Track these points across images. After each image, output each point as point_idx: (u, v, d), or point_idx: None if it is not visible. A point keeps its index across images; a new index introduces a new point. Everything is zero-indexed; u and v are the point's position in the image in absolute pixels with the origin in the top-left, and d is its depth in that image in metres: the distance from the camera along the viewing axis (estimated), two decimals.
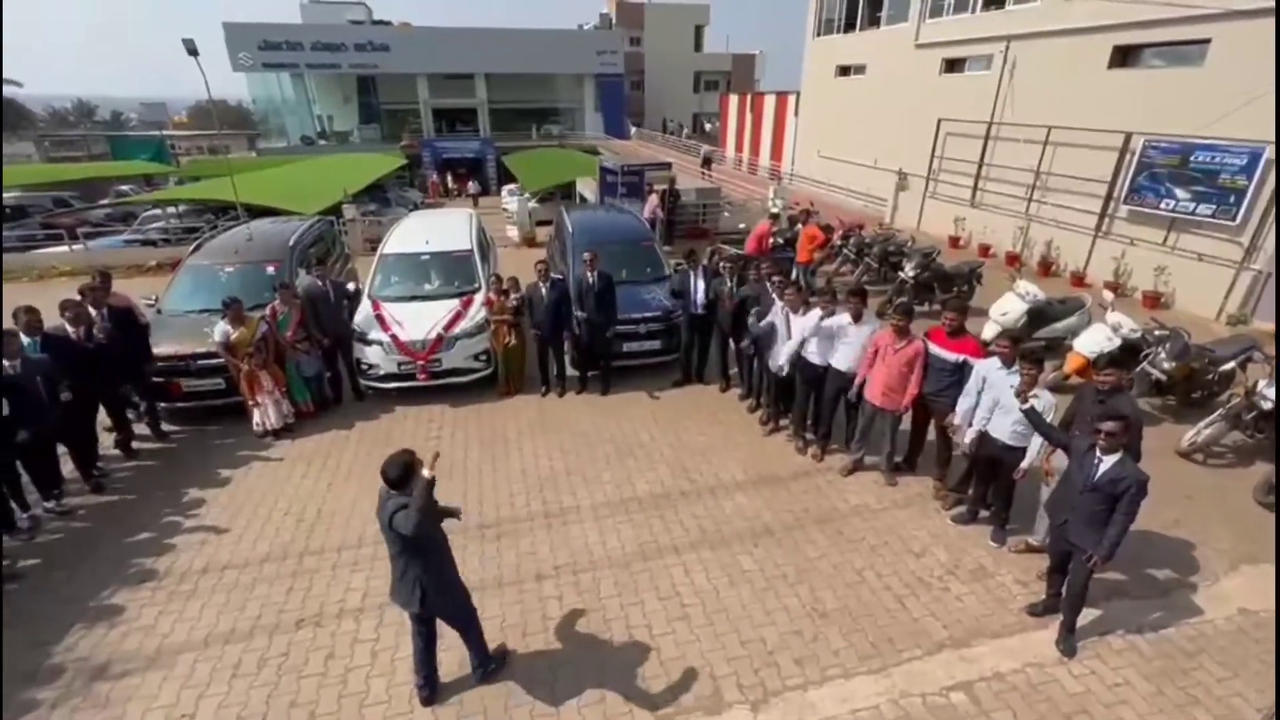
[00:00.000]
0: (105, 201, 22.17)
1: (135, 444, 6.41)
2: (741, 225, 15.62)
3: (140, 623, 4.31)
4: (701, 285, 7.34)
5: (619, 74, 40.40)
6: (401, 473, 3.17)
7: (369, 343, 7.16)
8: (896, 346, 5.25)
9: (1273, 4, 8.90)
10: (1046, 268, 12.70)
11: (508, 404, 7.45)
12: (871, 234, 12.20)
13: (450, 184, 31.65)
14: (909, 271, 9.95)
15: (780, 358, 6.11)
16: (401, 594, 3.41)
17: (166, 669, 3.95)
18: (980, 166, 14.62)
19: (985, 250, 14.09)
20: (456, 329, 7.27)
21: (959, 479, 5.47)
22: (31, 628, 4.25)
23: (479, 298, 7.67)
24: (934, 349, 5.23)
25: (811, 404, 6.26)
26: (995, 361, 4.75)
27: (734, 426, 6.92)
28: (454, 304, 7.57)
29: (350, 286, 8.00)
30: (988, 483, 5.04)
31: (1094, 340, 6.97)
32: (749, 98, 30.32)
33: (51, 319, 5.60)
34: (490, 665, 3.85)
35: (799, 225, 11.36)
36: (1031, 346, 7.43)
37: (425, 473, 3.15)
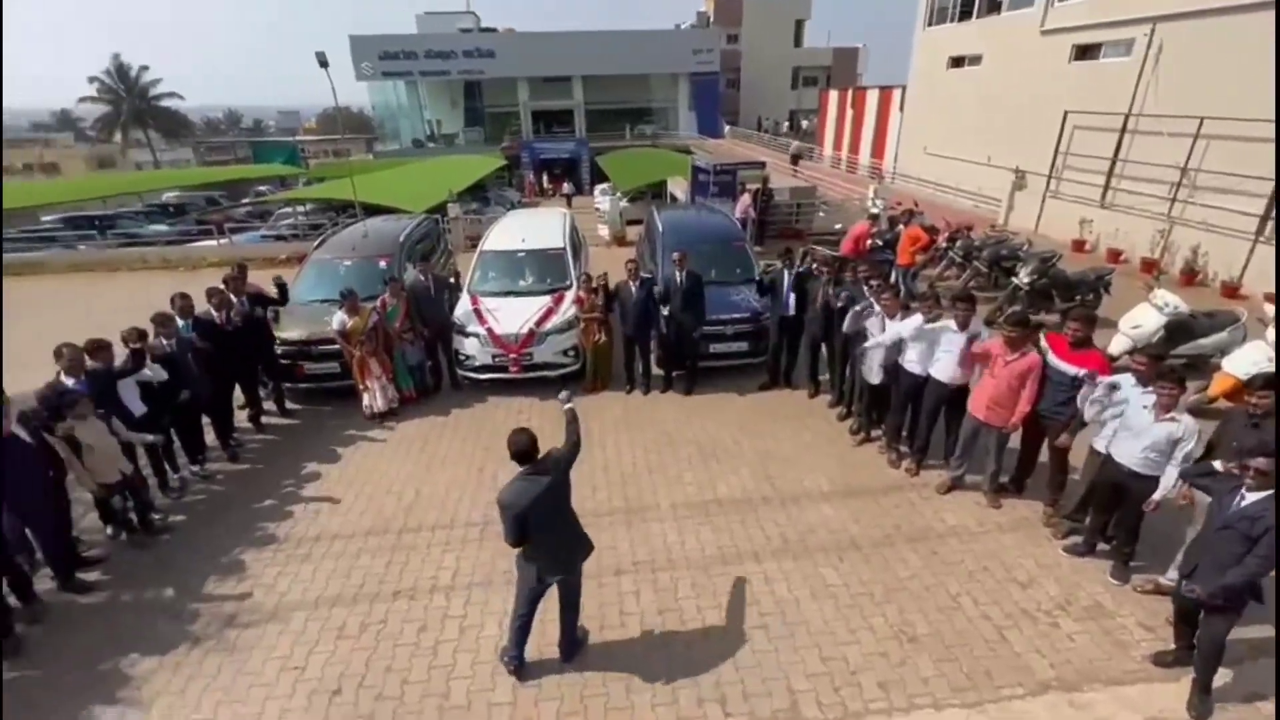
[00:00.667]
0: (246, 200, 24.85)
1: (264, 419, 7.12)
2: (838, 226, 15.07)
3: (263, 580, 4.78)
4: (793, 279, 7.13)
5: (714, 72, 40.15)
6: (531, 445, 3.42)
7: (467, 335, 7.55)
8: (1008, 358, 4.85)
9: None
10: (1190, 276, 11.27)
11: (594, 400, 7.60)
12: (982, 236, 11.37)
13: (545, 184, 32.71)
14: (1024, 277, 9.17)
15: (869, 346, 5.81)
16: (561, 561, 3.69)
17: (283, 624, 4.37)
18: (1114, 163, 13.23)
19: (1115, 256, 12.72)
20: (548, 325, 7.51)
21: (1075, 505, 4.96)
22: (178, 576, 4.83)
23: (570, 295, 7.87)
24: (1052, 360, 4.80)
25: (908, 415, 5.92)
26: (1130, 378, 4.28)
27: (822, 434, 6.68)
28: (546, 300, 7.83)
29: (452, 281, 8.48)
30: (1110, 512, 4.54)
31: (1249, 359, 6.11)
32: (850, 93, 29.13)
33: (199, 306, 6.35)
34: (577, 644, 4.00)
35: (900, 226, 10.78)
36: (1172, 364, 6.67)
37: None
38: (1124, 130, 12.91)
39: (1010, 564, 4.72)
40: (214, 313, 6.37)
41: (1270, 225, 10.27)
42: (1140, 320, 7.32)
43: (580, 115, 40.60)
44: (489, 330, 7.45)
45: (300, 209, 19.62)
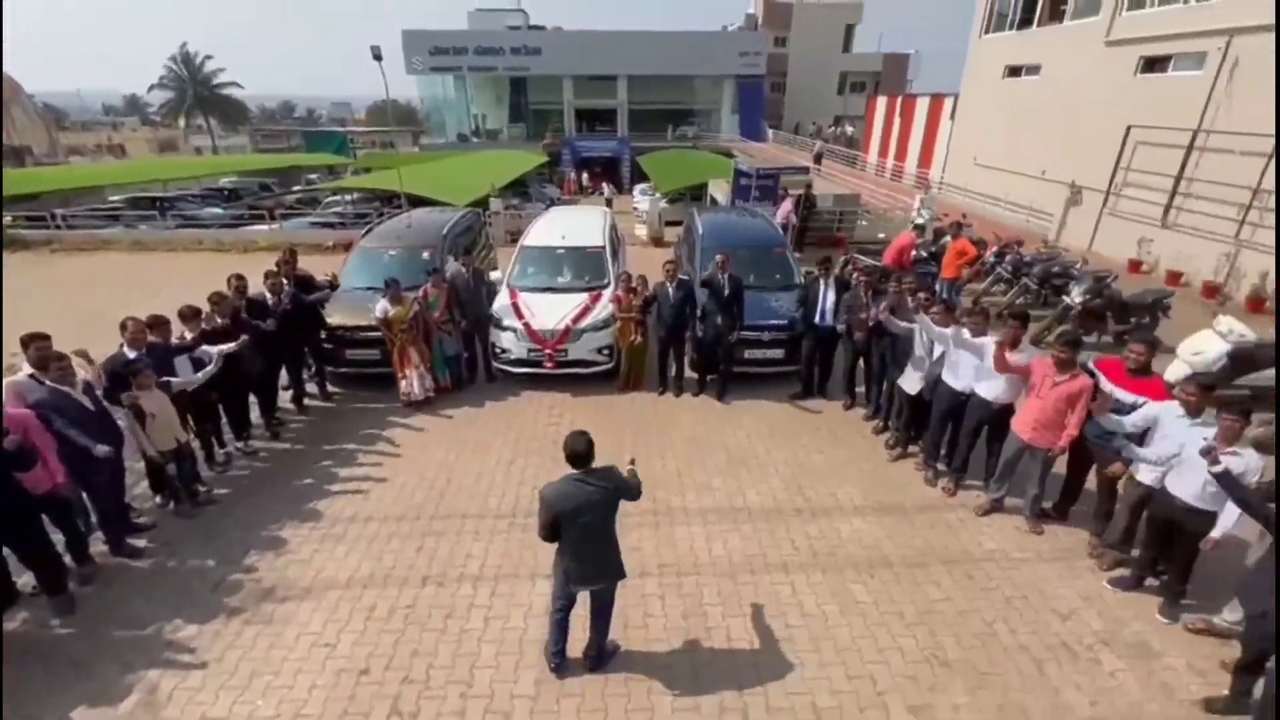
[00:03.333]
0: (297, 188, 25.61)
1: (305, 401, 7.33)
2: (881, 235, 14.77)
3: (299, 556, 4.92)
4: (831, 296, 7.02)
5: (760, 75, 39.79)
6: (588, 449, 3.41)
7: (504, 328, 7.64)
8: (1057, 379, 4.68)
9: None
10: (1259, 303, 10.69)
11: (625, 399, 7.61)
12: (1032, 252, 11.00)
13: (585, 182, 32.80)
14: (1076, 297, 8.83)
15: (917, 378, 5.70)
16: (586, 575, 3.63)
17: (317, 601, 4.48)
18: (1178, 181, 12.65)
19: (1176, 278, 12.18)
20: (584, 322, 7.55)
21: (1120, 535, 4.74)
22: (220, 547, 5.01)
23: (607, 293, 7.90)
24: (1107, 386, 4.60)
25: (948, 433, 5.76)
26: (1175, 408, 4.10)
27: (856, 448, 6.55)
28: (583, 298, 7.86)
29: (493, 275, 8.59)
30: (1161, 547, 4.34)
31: None
32: (899, 100, 28.54)
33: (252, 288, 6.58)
34: (605, 656, 3.95)
35: (946, 238, 10.51)
36: (1236, 394, 6.34)
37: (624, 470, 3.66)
38: (1191, 147, 12.33)
39: (1050, 594, 4.55)
40: (267, 295, 6.59)
41: None
42: (1202, 347, 6.96)
43: (623, 114, 40.73)
44: (526, 325, 7.52)
45: (348, 198, 20.13)
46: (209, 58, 48.72)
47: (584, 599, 3.77)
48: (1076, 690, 3.80)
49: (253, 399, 6.59)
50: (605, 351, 7.71)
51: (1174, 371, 6.79)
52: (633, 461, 3.94)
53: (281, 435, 6.73)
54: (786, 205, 14.11)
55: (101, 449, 4.35)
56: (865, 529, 5.28)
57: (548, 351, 7.52)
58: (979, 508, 5.45)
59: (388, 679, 3.87)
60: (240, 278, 6.49)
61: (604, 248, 8.68)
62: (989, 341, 5.07)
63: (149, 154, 46.26)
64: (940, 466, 5.91)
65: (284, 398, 7.16)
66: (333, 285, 7.95)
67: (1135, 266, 13.19)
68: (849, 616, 4.36)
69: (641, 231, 16.81)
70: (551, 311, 7.63)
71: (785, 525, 5.33)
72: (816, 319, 7.11)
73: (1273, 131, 10.64)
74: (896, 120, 27.87)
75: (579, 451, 3.39)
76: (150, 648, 4.08)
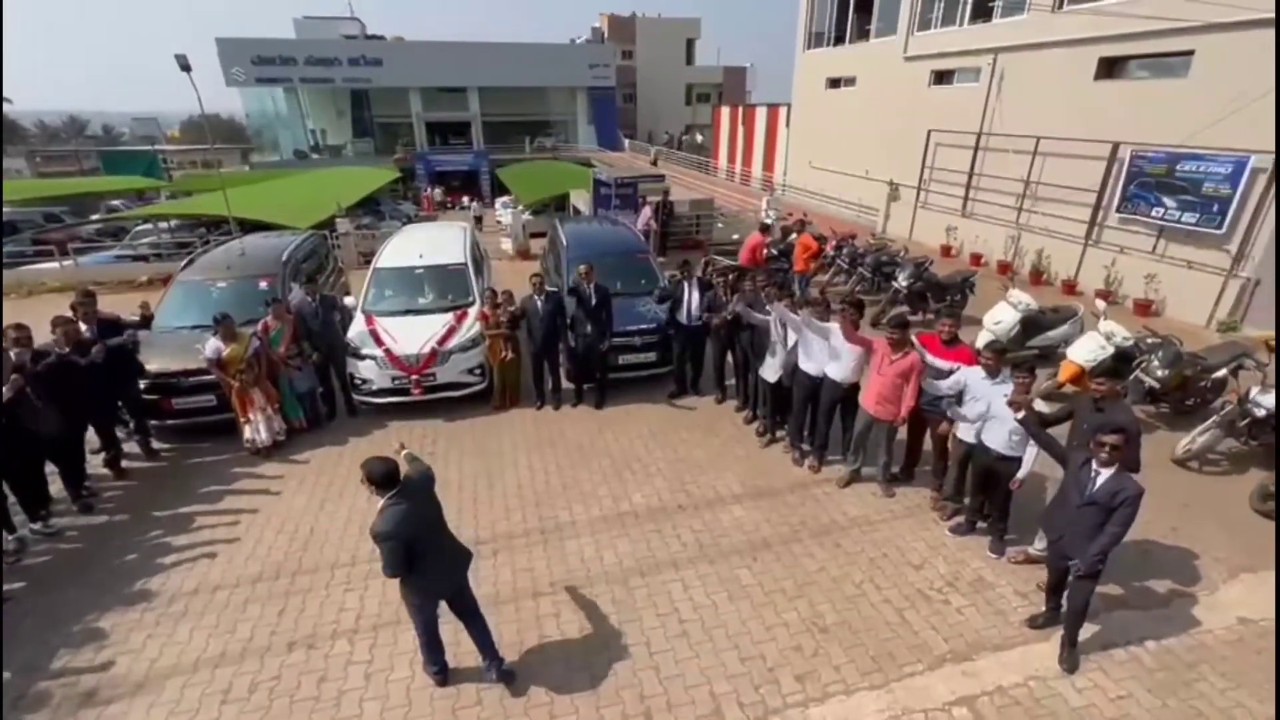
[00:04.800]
0: (96, 217, 22.09)
1: (125, 463, 6.31)
2: (735, 236, 15.69)
3: (128, 646, 4.22)
4: (695, 296, 7.35)
5: (611, 87, 40.76)
6: (394, 470, 3.31)
7: (362, 357, 7.12)
8: (893, 358, 5.25)
9: (1251, 15, 9.07)
10: (1038, 276, 12.79)
11: (503, 418, 7.40)
12: (864, 244, 12.27)
13: (439, 197, 31.33)
14: (902, 281, 10.00)
15: (776, 366, 6.11)
16: (448, 577, 3.63)
17: (154, 694, 3.87)
18: (970, 177, 14.76)
19: (977, 259, 14.20)
20: (451, 343, 7.24)
21: (953, 488, 5.44)
22: (19, 651, 4.15)
23: (473, 311, 7.64)
24: (928, 358, 5.24)
25: (808, 415, 6.25)
26: (978, 371, 4.78)
27: (731, 438, 6.89)
28: (448, 318, 7.54)
29: (347, 301, 7.97)
30: (985, 493, 5.02)
31: (1087, 349, 7.00)
32: (740, 110, 30.59)
33: (40, 335, 5.53)
34: (502, 662, 3.90)
35: (793, 236, 11.41)
36: (1025, 355, 7.49)
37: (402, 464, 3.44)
38: (977, 147, 14.46)
39: (905, 548, 5.09)
40: (59, 346, 5.57)
41: (1097, 231, 11.87)
42: (1000, 317, 8.18)
43: (478, 127, 39.77)
44: (387, 351, 7.06)
45: (163, 226, 17.72)
46: None
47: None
48: (933, 631, 4.28)
49: (51, 468, 5.56)
50: (477, 371, 7.44)
51: (982, 339, 7.90)
52: (401, 447, 3.88)
53: (95, 507, 5.73)
54: (646, 212, 14.56)
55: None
56: (745, 515, 5.56)
57: (414, 378, 7.11)
58: (840, 480, 5.97)
59: None
60: (20, 327, 5.37)
61: (465, 264, 8.38)
62: (833, 326, 5.56)
63: None
64: (805, 447, 6.39)
65: (95, 462, 6.13)
66: (143, 322, 6.86)
67: (946, 251, 15.19)
68: (737, 602, 4.56)
69: (507, 245, 16.49)
70: (414, 335, 7.23)
71: (671, 522, 5.48)
72: (683, 319, 7.40)
73: (1031, 133, 12.80)
74: (740, 128, 29.84)
75: (387, 473, 3.28)
76: None
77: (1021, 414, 4.16)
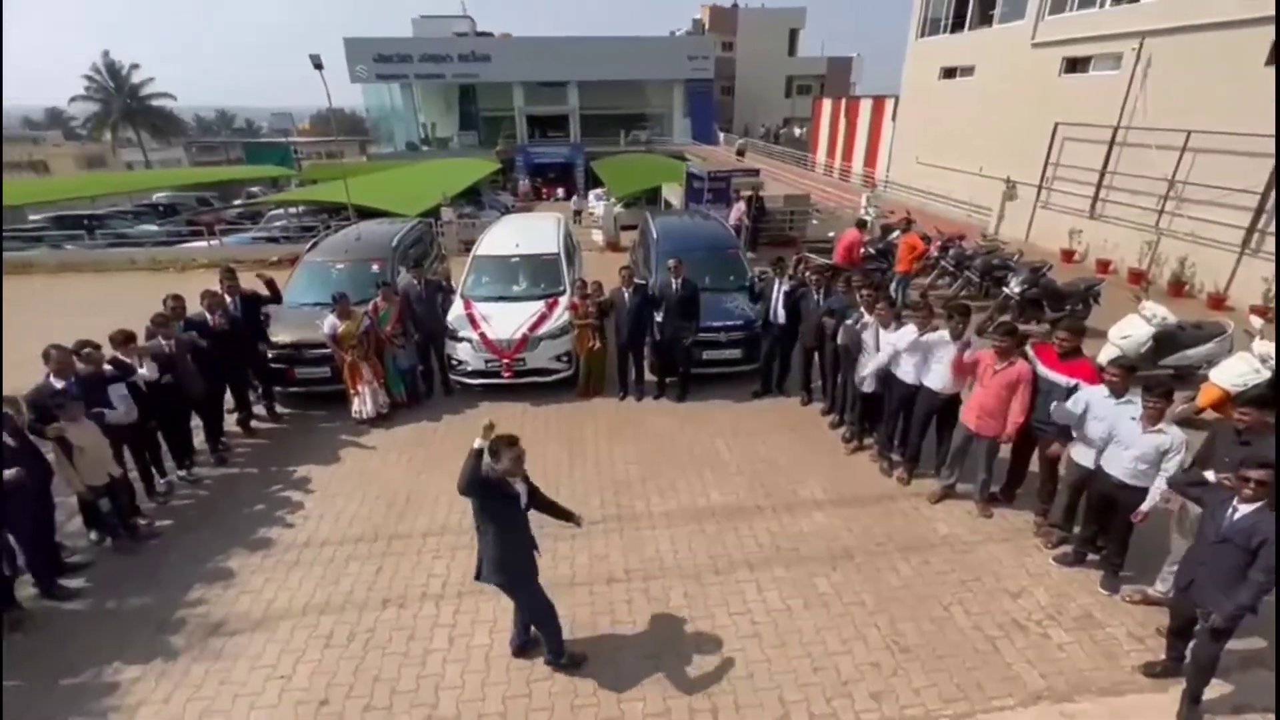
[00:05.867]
0: (238, 202, 24.70)
1: (253, 423, 7.05)
2: (831, 234, 15.11)
3: (250, 586, 4.72)
4: (785, 295, 7.17)
5: (709, 79, 40.35)
6: (494, 448, 3.36)
7: (459, 340, 7.52)
8: (997, 368, 4.89)
9: None
10: (1179, 287, 11.42)
11: (586, 406, 7.58)
12: (974, 246, 11.46)
13: (524, 188, 32.00)
14: (1015, 287, 9.24)
15: (866, 372, 5.86)
16: (489, 567, 3.61)
17: (270, 632, 4.31)
18: (1102, 175, 13.39)
19: (1104, 266, 12.88)
20: (541, 330, 7.49)
21: (1062, 514, 4.99)
22: (163, 583, 4.76)
23: (564, 300, 7.86)
24: (1042, 371, 4.83)
25: (900, 424, 5.94)
26: (1101, 389, 4.33)
27: (815, 443, 6.69)
28: (540, 306, 7.80)
29: (444, 285, 8.44)
30: (1100, 523, 4.57)
31: (1237, 371, 6.19)
32: (843, 102, 29.37)
33: (192, 307, 6.29)
34: (557, 659, 3.93)
35: (894, 234, 10.86)
36: (1159, 375, 6.73)
37: (476, 442, 3.31)
38: (1113, 142, 13.07)
39: (1001, 574, 4.74)
40: (206, 315, 6.31)
41: (1257, 238, 10.41)
42: (1129, 331, 7.39)
43: (575, 120, 40.67)
44: (482, 335, 7.42)
45: (292, 211, 19.50)
46: (135, 67, 46.33)
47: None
48: (1028, 664, 3.97)
49: (196, 423, 6.31)
50: (563, 359, 7.66)
51: (1106, 354, 7.18)
52: (490, 427, 3.46)
53: (228, 460, 6.45)
54: (739, 207, 14.34)
55: (9, 473, 4.06)
56: (826, 522, 5.39)
57: (505, 361, 7.43)
58: (932, 495, 5.64)
59: (348, 708, 3.75)
60: (176, 298, 6.18)
61: (559, 254, 8.63)
62: (941, 338, 5.23)
63: (75, 170, 43.75)
64: (895, 456, 6.08)
65: (230, 421, 6.88)
66: (271, 289, 7.45)
67: (1068, 256, 13.88)
68: (813, 610, 4.44)
69: (598, 237, 16.81)
70: (507, 320, 7.54)
71: (749, 523, 5.40)
72: (771, 318, 7.25)
73: (1179, 126, 11.39)
74: (842, 122, 28.66)
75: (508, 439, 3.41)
76: (89, 696, 3.84)
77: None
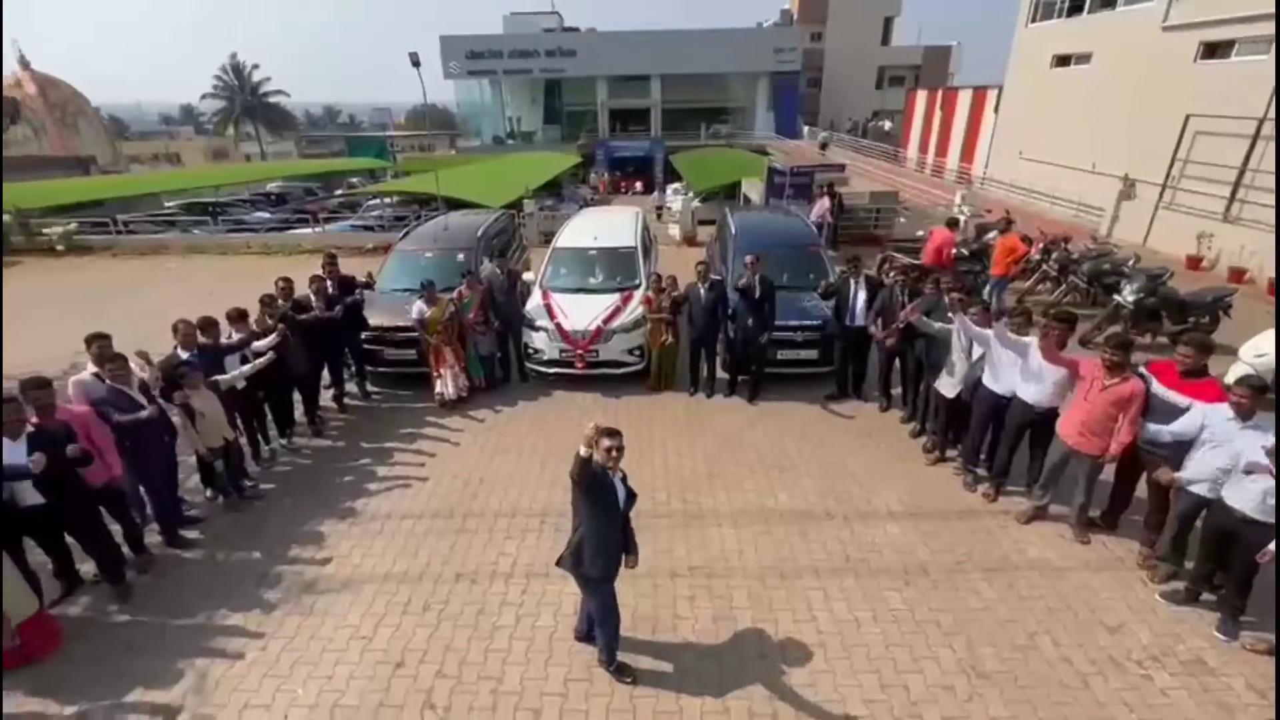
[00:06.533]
0: (340, 192, 26.43)
1: (346, 399, 7.55)
2: (920, 233, 14.38)
3: (339, 551, 5.08)
4: (863, 296, 6.89)
5: (795, 71, 39.24)
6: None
7: (536, 329, 7.73)
8: (1106, 382, 4.49)
9: None
10: None
11: (656, 400, 7.61)
12: (1081, 249, 10.57)
13: (593, 181, 32.10)
14: (1129, 295, 8.45)
15: (955, 379, 5.54)
16: (582, 559, 3.62)
17: (354, 594, 4.62)
18: (1241, 173, 11.98)
19: (1239, 275, 11.54)
20: (614, 323, 7.58)
21: (1171, 547, 4.52)
22: (264, 541, 5.21)
23: (638, 294, 7.91)
24: (1159, 389, 4.39)
25: (988, 436, 5.58)
26: (1225, 410, 3.88)
27: (892, 451, 6.41)
28: (615, 298, 7.90)
29: (526, 276, 8.70)
30: (1218, 560, 4.12)
31: None
32: (940, 93, 27.79)
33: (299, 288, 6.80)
34: (608, 665, 3.90)
35: (991, 234, 10.19)
36: None
37: (581, 449, 3.30)
38: (1256, 136, 11.65)
39: (1098, 606, 4.37)
40: (312, 297, 6.81)
41: None
42: (1266, 348, 6.58)
43: (656, 114, 40.70)
44: (558, 325, 7.60)
45: (387, 201, 20.66)
46: (256, 66, 50.59)
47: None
48: (1124, 707, 3.64)
49: (297, 397, 6.83)
50: (636, 352, 7.72)
51: (1234, 373, 6.43)
52: (596, 431, 3.42)
53: (324, 432, 6.95)
54: (824, 203, 13.89)
55: (145, 412, 4.60)
56: (900, 534, 5.16)
57: (579, 352, 7.57)
58: (1021, 514, 5.27)
59: (421, 673, 3.96)
60: (286, 280, 6.72)
61: (635, 248, 8.69)
62: (1032, 341, 4.89)
63: (203, 161, 48.34)
64: (980, 471, 5.73)
65: (325, 396, 7.40)
66: (368, 285, 8.08)
67: (1194, 263, 12.54)
68: (882, 624, 4.27)
69: (674, 231, 16.78)
70: (583, 312, 7.68)
71: (817, 528, 5.25)
72: (848, 320, 6.99)
73: None
74: (937, 114, 27.16)
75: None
76: (200, 635, 4.27)
77: None
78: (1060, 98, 17.99)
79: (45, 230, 17.08)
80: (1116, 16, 15.86)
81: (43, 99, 36.00)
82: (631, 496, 3.62)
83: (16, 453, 3.90)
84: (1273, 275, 11.00)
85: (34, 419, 4.08)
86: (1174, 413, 4.25)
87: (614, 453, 3.37)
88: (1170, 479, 4.28)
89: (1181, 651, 3.99)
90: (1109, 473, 4.93)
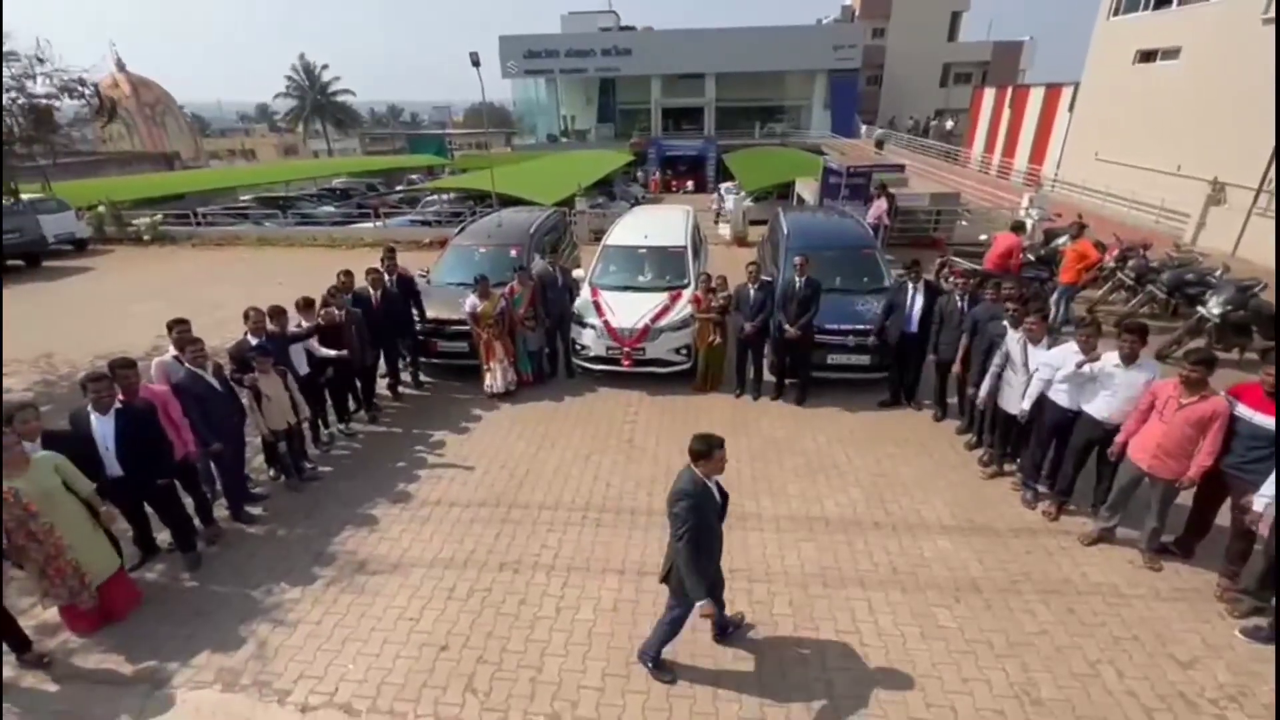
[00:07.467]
0: (400, 188, 27.34)
1: (400, 389, 7.82)
2: (983, 236, 13.81)
3: (390, 534, 5.27)
4: (920, 301, 6.66)
5: (854, 69, 38.20)
6: (705, 448, 3.45)
7: (585, 326, 7.81)
8: (1184, 401, 4.20)
9: None
10: None
11: (702, 400, 7.57)
12: (1162, 256, 9.91)
13: (641, 180, 31.84)
14: (1215, 308, 7.87)
15: (1018, 395, 5.29)
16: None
17: (403, 577, 4.78)
18: None
19: None
20: (662, 321, 7.58)
21: (1258, 580, 4.19)
22: (321, 520, 5.45)
23: (687, 293, 7.89)
24: (1244, 411, 4.08)
25: (1050, 452, 5.31)
26: None
27: (946, 462, 6.18)
28: (663, 297, 7.89)
29: (576, 273, 8.80)
30: None
31: None
32: (1009, 91, 26.56)
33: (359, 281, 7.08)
34: (649, 658, 3.90)
35: (1060, 240, 9.68)
36: None
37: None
38: None
39: (1168, 637, 4.09)
40: (370, 290, 7.08)
41: None
42: None
43: (710, 113, 40.36)
44: (606, 323, 7.65)
45: (444, 197, 21.25)
46: (325, 66, 52.92)
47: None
48: None
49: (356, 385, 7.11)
50: (683, 351, 7.70)
51: None
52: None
53: (379, 420, 7.22)
54: (880, 204, 13.51)
55: (215, 447, 5.04)
56: (952, 549, 4.97)
57: (626, 349, 7.61)
58: (1085, 536, 4.99)
59: (464, 657, 4.07)
60: (347, 274, 7.02)
61: (685, 248, 8.66)
62: (1107, 360, 4.61)
63: (275, 157, 51.03)
64: (1041, 488, 5.46)
65: (381, 385, 7.67)
66: (424, 277, 8.29)
67: None
68: (930, 641, 4.12)
69: (725, 231, 16.64)
70: (631, 310, 7.71)
71: (864, 538, 5.12)
72: (904, 325, 6.77)
73: None
74: (1006, 113, 25.98)
75: (695, 449, 3.49)
76: (261, 606, 4.51)
77: None
78: (1143, 95, 16.90)
79: (135, 221, 18.36)
80: (1210, 8, 14.78)
81: (135, 98, 38.77)
82: (725, 501, 3.69)
83: (106, 425, 4.24)
84: None
85: (121, 396, 4.39)
86: (1260, 435, 3.94)
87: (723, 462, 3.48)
88: (1257, 517, 3.94)
89: (1264, 694, 3.69)
90: (1185, 496, 4.61)
